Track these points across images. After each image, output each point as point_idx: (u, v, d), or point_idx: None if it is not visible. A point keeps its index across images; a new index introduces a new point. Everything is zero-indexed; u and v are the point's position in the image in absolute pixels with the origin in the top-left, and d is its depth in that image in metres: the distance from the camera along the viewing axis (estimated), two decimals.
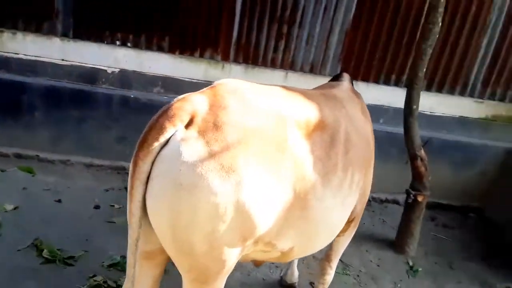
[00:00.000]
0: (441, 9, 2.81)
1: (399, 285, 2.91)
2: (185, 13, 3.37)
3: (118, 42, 3.41)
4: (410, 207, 3.20)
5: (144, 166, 1.33)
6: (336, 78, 2.34)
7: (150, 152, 1.34)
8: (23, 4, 3.27)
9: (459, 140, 3.86)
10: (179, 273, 1.51)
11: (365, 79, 3.69)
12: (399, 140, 3.79)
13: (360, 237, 3.23)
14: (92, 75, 3.46)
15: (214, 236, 1.36)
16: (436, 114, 3.83)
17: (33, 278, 2.39)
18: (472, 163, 3.90)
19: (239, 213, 1.36)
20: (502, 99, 3.84)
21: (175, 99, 1.44)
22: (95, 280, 2.44)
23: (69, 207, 3.04)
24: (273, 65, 3.59)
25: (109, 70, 3.47)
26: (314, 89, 2.08)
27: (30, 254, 2.56)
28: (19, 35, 3.36)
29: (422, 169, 3.11)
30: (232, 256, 1.45)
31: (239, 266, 2.66)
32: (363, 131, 1.92)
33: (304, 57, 3.60)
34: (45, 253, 2.55)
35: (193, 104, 1.39)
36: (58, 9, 3.27)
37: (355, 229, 2.17)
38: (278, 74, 3.62)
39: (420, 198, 3.14)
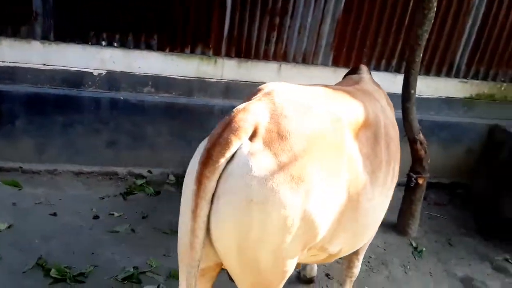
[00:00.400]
0: None
1: (408, 267, 2.98)
2: (174, 8, 3.22)
3: (103, 43, 3.22)
4: (411, 189, 3.27)
5: (210, 184, 1.27)
6: (354, 71, 2.30)
7: (216, 169, 1.27)
8: None
9: (446, 120, 3.97)
10: None
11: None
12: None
13: None
14: (77, 78, 3.26)
15: (281, 249, 1.33)
16: (424, 96, 3.90)
17: None
18: (459, 141, 4.03)
19: (305, 223, 1.33)
20: (484, 78, 3.97)
21: (235, 110, 1.35)
22: None
23: (67, 220, 2.89)
24: (266, 57, 3.52)
25: (96, 73, 3.28)
26: (342, 85, 2.04)
27: (36, 275, 2.42)
28: None
29: (422, 152, 3.17)
30: (292, 266, 1.42)
31: None
32: (394, 122, 1.92)
33: (297, 47, 3.55)
34: (53, 273, 2.41)
35: (255, 114, 1.33)
36: (37, 11, 3.02)
37: None
38: (271, 67, 3.55)
39: (421, 181, 3.21)
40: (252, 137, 1.29)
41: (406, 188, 3.32)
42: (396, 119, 3.54)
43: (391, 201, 3.98)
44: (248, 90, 3.54)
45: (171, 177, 3.53)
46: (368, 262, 2.98)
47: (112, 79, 3.32)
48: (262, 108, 1.36)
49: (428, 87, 3.89)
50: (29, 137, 3.25)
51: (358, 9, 3.49)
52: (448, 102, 4.00)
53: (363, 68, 2.25)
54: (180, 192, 3.54)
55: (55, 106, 3.23)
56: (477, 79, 3.96)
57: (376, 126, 1.67)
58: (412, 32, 3.06)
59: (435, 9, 2.91)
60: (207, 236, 1.33)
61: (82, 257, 2.56)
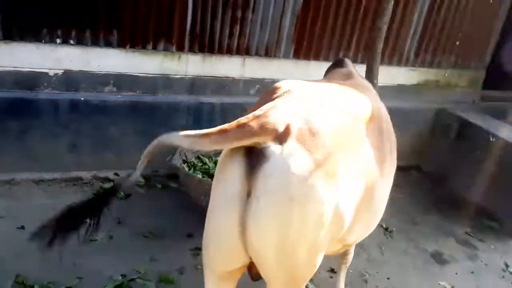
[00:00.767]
0: None
1: (383, 247, 3.13)
2: (134, 3, 3.08)
3: (58, 40, 2.98)
4: None
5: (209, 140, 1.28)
6: (338, 64, 2.34)
7: (220, 143, 1.29)
8: None
9: (398, 107, 4.20)
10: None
11: (316, 58, 3.80)
12: None
13: None
14: (31, 80, 3.00)
15: (316, 244, 1.35)
16: (379, 85, 4.10)
17: None
18: (410, 125, 4.29)
19: (336, 217, 1.36)
20: (430, 66, 4.27)
21: (263, 109, 1.32)
22: None
23: None
24: (229, 51, 3.49)
25: (51, 73, 3.04)
26: (335, 79, 2.05)
27: None
28: None
29: None
30: (321, 259, 1.44)
31: None
32: (387, 114, 2.00)
33: (259, 41, 3.56)
34: None
35: (283, 112, 1.32)
36: None
37: None
38: (235, 61, 3.53)
39: None
40: (284, 136, 1.28)
41: None
42: None
43: None
44: (213, 85, 3.53)
45: (140, 179, 3.38)
46: None
47: (70, 79, 3.10)
48: (289, 107, 1.36)
49: (382, 75, 4.09)
50: None
51: (316, 2, 3.58)
52: (399, 89, 4.24)
53: (348, 61, 2.30)
54: (150, 193, 3.39)
55: (6, 111, 2.96)
56: (424, 67, 4.26)
57: (379, 119, 1.74)
58: (373, 24, 3.21)
59: (393, 1, 3.08)
60: (239, 238, 1.31)
61: (63, 270, 2.36)
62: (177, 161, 3.10)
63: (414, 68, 4.21)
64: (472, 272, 2.92)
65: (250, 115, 1.30)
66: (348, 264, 2.41)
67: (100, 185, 3.26)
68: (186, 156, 3.25)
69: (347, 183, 1.39)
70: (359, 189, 1.49)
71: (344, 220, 1.42)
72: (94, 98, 3.16)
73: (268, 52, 3.63)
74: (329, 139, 1.33)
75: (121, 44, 3.15)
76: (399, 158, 4.60)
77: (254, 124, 1.27)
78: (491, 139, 3.74)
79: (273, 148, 1.25)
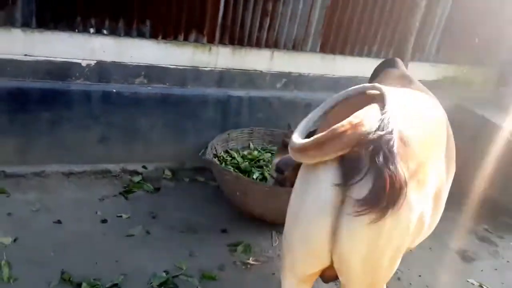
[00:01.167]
0: None
1: None
2: None
3: (92, 30, 2.92)
4: None
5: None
6: (388, 64, 2.34)
7: (320, 156, 1.31)
8: None
9: None
10: None
11: (342, 52, 3.80)
12: None
13: None
14: (63, 70, 2.94)
15: (401, 250, 1.42)
16: None
17: None
18: None
19: (419, 223, 1.41)
20: (450, 62, 4.31)
21: (358, 117, 1.33)
22: None
23: (74, 227, 2.66)
24: (258, 44, 3.46)
25: (84, 63, 2.98)
26: (396, 82, 2.06)
27: None
28: None
29: None
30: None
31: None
32: None
33: (288, 34, 3.53)
34: (84, 287, 2.23)
35: (377, 122, 1.33)
36: None
37: None
38: (264, 54, 3.51)
39: None
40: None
41: None
42: None
43: None
44: (241, 78, 3.51)
45: (167, 172, 3.38)
46: None
47: (103, 70, 3.04)
48: (380, 115, 1.37)
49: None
50: (11, 137, 2.90)
51: None
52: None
53: (399, 61, 2.31)
54: (179, 187, 3.39)
55: (39, 101, 2.90)
56: (444, 63, 4.30)
57: (447, 123, 1.77)
58: (405, 20, 3.21)
59: None
60: (328, 244, 1.34)
61: (107, 266, 2.39)
62: (209, 155, 3.10)
63: (434, 64, 4.24)
64: (496, 269, 3.02)
65: (346, 123, 1.30)
66: None
67: (129, 178, 3.25)
68: (216, 150, 3.25)
69: (431, 190, 1.43)
70: (434, 195, 1.53)
71: (424, 226, 1.47)
72: (126, 89, 3.11)
73: (296, 46, 3.61)
74: (419, 148, 1.36)
75: (153, 35, 3.10)
76: None
77: (351, 133, 1.28)
78: (510, 137, 3.81)
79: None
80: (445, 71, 4.33)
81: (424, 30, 4.00)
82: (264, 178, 3.15)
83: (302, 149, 1.33)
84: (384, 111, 1.35)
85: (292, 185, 2.65)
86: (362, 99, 1.51)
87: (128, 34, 3.03)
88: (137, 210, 2.92)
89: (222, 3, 3.19)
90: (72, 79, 2.98)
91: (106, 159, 3.23)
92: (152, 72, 3.20)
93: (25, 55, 2.81)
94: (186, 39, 3.21)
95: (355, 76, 3.92)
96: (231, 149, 3.45)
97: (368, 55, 3.91)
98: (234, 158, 3.35)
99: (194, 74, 3.33)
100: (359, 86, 1.64)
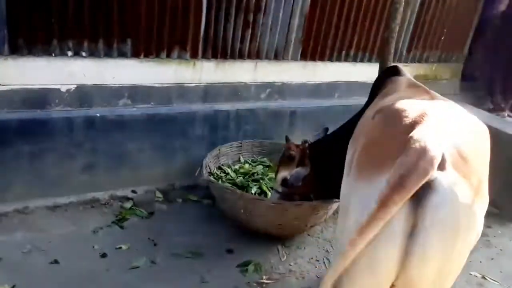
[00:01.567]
0: None
1: None
2: (148, 9, 2.88)
3: (69, 53, 2.73)
4: None
5: (394, 210, 1.24)
6: (392, 72, 2.35)
7: (406, 197, 1.24)
8: None
9: None
10: None
11: (321, 58, 3.81)
12: (353, 111, 4.10)
13: None
14: (41, 97, 2.72)
15: (464, 262, 1.42)
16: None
17: None
18: None
19: (477, 236, 1.40)
20: (419, 61, 4.47)
21: (419, 141, 1.30)
22: None
23: (73, 266, 2.45)
24: (241, 56, 3.40)
25: (63, 88, 2.78)
26: (408, 92, 2.04)
27: None
28: None
29: None
30: None
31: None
32: None
33: (269, 44, 3.50)
34: None
35: (435, 141, 1.31)
36: None
37: None
38: (247, 65, 3.45)
39: None
40: (443, 165, 1.28)
41: None
42: (351, 106, 3.93)
43: None
44: (226, 91, 3.43)
45: (158, 194, 3.23)
46: None
47: (83, 94, 2.86)
48: (437, 133, 1.36)
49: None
50: None
51: (322, 3, 3.57)
52: None
53: (402, 69, 2.33)
54: (173, 209, 3.25)
55: (15, 133, 2.67)
56: (414, 62, 4.44)
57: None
58: (386, 25, 3.27)
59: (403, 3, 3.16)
60: (396, 269, 1.31)
61: None
62: (205, 173, 2.99)
63: (406, 64, 4.37)
64: (492, 259, 3.14)
65: (412, 155, 1.28)
66: None
67: (120, 204, 3.07)
68: (210, 168, 3.15)
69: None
70: None
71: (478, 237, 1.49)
72: (109, 113, 2.94)
73: (277, 55, 3.59)
74: (476, 162, 1.36)
75: (135, 54, 2.95)
76: None
77: (424, 164, 1.25)
78: None
79: (439, 179, 1.26)
80: (417, 70, 4.48)
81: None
82: (262, 192, 3.09)
83: (382, 215, 1.26)
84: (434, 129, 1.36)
85: (301, 199, 2.66)
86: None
87: (108, 54, 2.86)
88: (135, 239, 2.76)
89: (204, 16, 3.10)
90: (51, 106, 2.77)
91: (92, 187, 3.03)
92: (136, 92, 3.04)
93: None
94: (168, 55, 3.09)
95: (335, 81, 3.96)
96: (222, 165, 3.36)
97: (346, 59, 3.96)
98: (228, 174, 3.26)
99: (179, 91, 3.21)
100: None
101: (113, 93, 2.96)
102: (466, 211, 1.28)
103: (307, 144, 2.65)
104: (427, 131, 1.35)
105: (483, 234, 3.35)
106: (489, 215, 3.62)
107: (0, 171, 2.68)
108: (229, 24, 3.24)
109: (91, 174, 3.01)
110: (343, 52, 3.91)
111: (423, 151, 1.28)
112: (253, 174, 3.29)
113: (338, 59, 3.92)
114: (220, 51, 3.29)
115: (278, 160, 2.80)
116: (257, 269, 2.66)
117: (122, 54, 2.91)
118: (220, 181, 3.12)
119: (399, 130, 1.42)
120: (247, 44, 3.38)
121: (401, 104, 1.57)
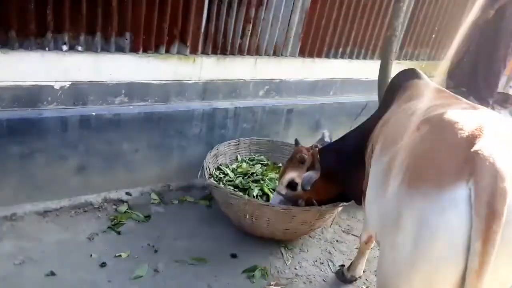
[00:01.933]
0: None
1: None
2: (148, 1, 2.70)
3: (64, 47, 2.52)
4: None
5: (498, 239, 1.23)
6: (410, 75, 2.32)
7: (502, 221, 1.24)
8: None
9: None
10: None
11: (319, 55, 3.74)
12: (347, 108, 4.10)
13: None
14: (33, 95, 2.51)
15: None
16: (370, 79, 4.19)
17: None
18: None
19: None
20: (410, 59, 4.48)
21: (488, 155, 1.29)
22: None
23: (71, 277, 2.32)
24: (241, 52, 3.27)
25: (57, 85, 2.57)
26: (437, 98, 2.01)
27: None
28: None
29: None
30: None
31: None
32: None
33: (269, 40, 3.38)
34: None
35: (502, 154, 1.31)
36: None
37: None
38: (247, 61, 3.32)
39: None
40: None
41: None
42: (346, 103, 3.89)
43: None
44: (226, 89, 3.31)
45: (154, 196, 3.10)
46: None
47: (78, 91, 2.66)
48: (499, 148, 1.34)
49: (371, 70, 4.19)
50: None
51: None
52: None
53: (420, 72, 2.30)
54: (170, 211, 3.15)
55: (6, 133, 2.46)
56: (406, 60, 4.45)
57: None
58: (389, 24, 3.23)
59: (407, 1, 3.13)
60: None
61: None
62: (207, 177, 2.88)
63: (399, 61, 4.37)
64: None
65: (487, 176, 1.27)
66: None
67: (114, 208, 2.92)
68: (209, 170, 3.04)
69: None
70: None
71: None
72: (105, 111, 2.76)
73: (277, 51, 3.49)
74: None
75: (133, 49, 2.77)
76: None
77: (502, 184, 1.25)
78: None
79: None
80: (407, 67, 4.47)
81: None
82: (264, 194, 3.02)
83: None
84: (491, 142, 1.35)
85: (308, 204, 2.61)
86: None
87: (105, 49, 2.67)
88: (134, 245, 2.64)
89: (206, 11, 2.95)
90: (43, 104, 2.57)
91: (85, 190, 2.87)
92: (133, 90, 2.87)
93: None
94: (168, 51, 2.93)
95: (331, 78, 3.91)
96: (221, 165, 3.26)
97: (342, 56, 3.91)
98: (227, 174, 3.17)
99: (178, 88, 3.06)
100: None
101: (110, 90, 2.78)
102: None
103: (317, 149, 2.59)
104: (490, 146, 1.32)
105: None
106: None
107: None
108: (230, 19, 3.10)
109: (84, 176, 2.83)
110: (340, 49, 3.85)
111: (496, 171, 1.25)
112: (252, 174, 3.21)
113: (335, 56, 3.86)
114: (220, 46, 3.15)
115: (286, 162, 2.73)
116: (264, 275, 2.61)
117: (120, 49, 2.73)
118: (220, 183, 3.02)
119: (455, 143, 1.38)
120: (248, 40, 3.26)
121: (450, 115, 1.52)
